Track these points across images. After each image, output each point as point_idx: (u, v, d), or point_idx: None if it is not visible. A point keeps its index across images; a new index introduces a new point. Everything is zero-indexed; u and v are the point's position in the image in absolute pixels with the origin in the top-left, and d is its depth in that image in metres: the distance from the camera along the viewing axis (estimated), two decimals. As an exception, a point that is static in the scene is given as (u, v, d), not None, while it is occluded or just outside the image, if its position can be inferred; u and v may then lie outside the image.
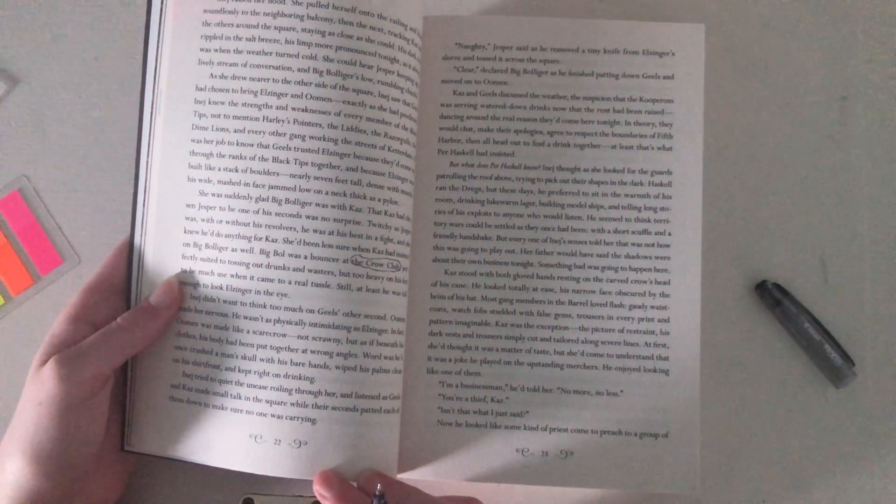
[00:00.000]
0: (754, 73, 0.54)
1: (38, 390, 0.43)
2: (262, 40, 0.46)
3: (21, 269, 0.53)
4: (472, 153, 0.51)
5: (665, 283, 0.50)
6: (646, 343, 0.49)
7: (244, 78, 0.47)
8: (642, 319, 0.49)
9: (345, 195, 0.46)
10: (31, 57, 0.55)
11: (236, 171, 0.46)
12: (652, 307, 0.50)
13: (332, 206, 0.46)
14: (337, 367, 0.46)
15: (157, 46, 0.48)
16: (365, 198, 0.46)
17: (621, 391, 0.49)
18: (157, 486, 0.50)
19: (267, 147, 0.46)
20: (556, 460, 0.49)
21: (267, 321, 0.46)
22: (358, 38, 0.46)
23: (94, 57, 0.55)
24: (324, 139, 0.46)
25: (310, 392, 0.45)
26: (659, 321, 0.49)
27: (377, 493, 0.43)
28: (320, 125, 0.46)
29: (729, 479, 0.52)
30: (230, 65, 0.47)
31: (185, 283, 0.47)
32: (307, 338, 0.45)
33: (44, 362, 0.44)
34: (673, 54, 0.51)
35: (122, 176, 0.54)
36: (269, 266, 0.46)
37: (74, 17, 0.55)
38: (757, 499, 0.51)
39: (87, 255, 0.54)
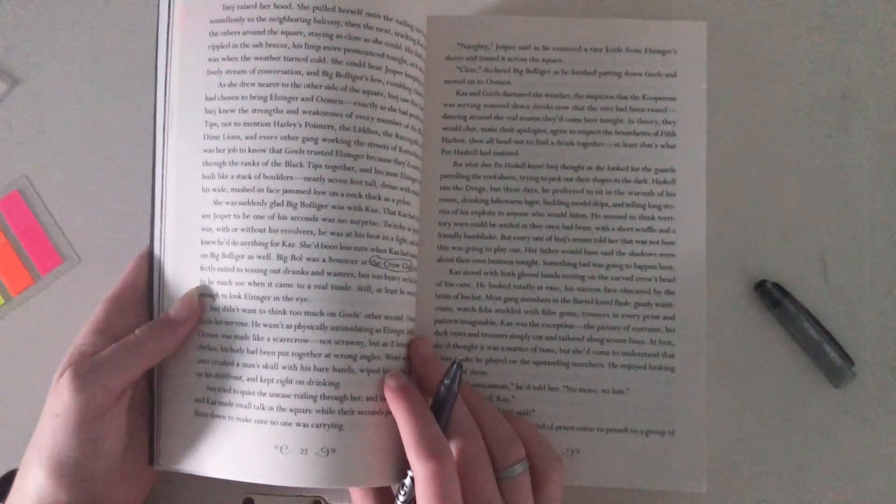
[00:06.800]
0: (755, 72, 0.54)
1: (55, 402, 0.43)
2: (270, 45, 0.46)
3: (21, 269, 0.53)
4: (475, 153, 0.51)
5: (670, 281, 0.50)
6: (651, 340, 0.49)
7: (253, 84, 0.46)
8: (647, 317, 0.49)
9: (360, 196, 0.46)
10: (31, 57, 0.54)
11: (249, 177, 0.46)
12: (657, 304, 0.50)
13: (349, 208, 0.45)
14: (361, 371, 0.45)
15: (167, 60, 0.48)
16: (380, 198, 0.46)
17: (627, 389, 0.49)
18: (157, 485, 0.50)
19: (279, 152, 0.46)
20: (563, 458, 0.48)
21: (287, 327, 0.45)
22: (366, 40, 0.46)
23: (94, 57, 0.54)
24: (337, 141, 0.46)
25: (335, 398, 0.45)
26: (664, 318, 0.49)
27: (458, 361, 0.44)
28: (332, 127, 0.46)
29: (728, 478, 0.51)
30: (238, 72, 0.46)
31: (204, 295, 0.46)
32: (330, 342, 0.45)
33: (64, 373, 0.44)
34: (675, 52, 0.51)
35: (122, 176, 0.53)
36: (287, 271, 0.45)
37: (74, 17, 0.55)
38: (757, 498, 0.51)
39: (87, 255, 0.53)
